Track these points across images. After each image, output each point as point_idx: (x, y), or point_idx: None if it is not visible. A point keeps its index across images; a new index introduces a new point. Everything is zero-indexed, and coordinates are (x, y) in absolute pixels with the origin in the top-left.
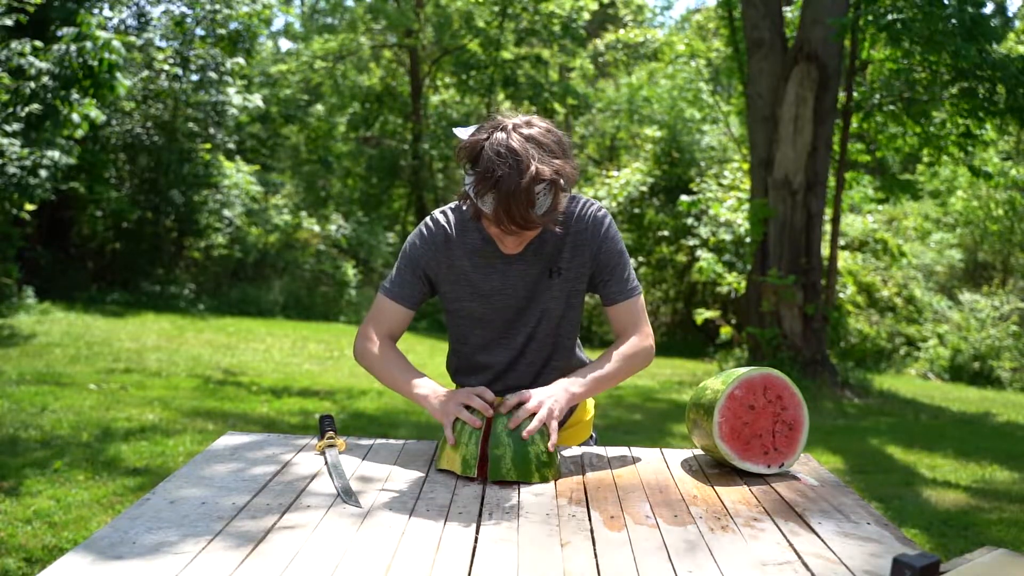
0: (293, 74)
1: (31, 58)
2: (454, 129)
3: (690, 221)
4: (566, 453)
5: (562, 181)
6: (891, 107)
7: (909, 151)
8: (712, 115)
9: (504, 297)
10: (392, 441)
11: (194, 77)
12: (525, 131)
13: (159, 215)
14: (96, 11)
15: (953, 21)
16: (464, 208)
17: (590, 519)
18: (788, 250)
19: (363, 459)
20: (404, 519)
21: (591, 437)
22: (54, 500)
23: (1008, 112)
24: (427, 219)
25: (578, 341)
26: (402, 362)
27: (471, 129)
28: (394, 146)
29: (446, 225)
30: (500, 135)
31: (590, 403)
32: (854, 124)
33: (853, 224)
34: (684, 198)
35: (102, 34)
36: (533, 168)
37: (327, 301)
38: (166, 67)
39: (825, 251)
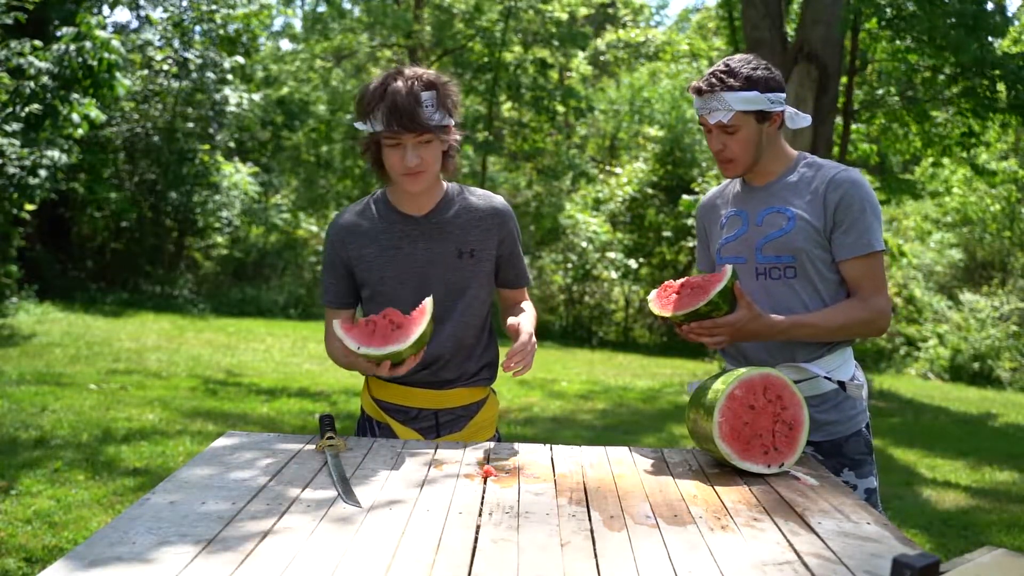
0: (294, 74)
1: (31, 58)
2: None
3: (691, 221)
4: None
5: (448, 97)
6: (894, 107)
7: (914, 152)
8: None
9: (413, 275)
10: (392, 441)
11: (193, 76)
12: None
13: (159, 215)
14: (96, 11)
15: (953, 19)
16: (363, 151)
17: (590, 519)
18: None
19: (363, 459)
20: (404, 519)
21: (496, 434)
22: (54, 500)
23: (1009, 109)
24: (328, 225)
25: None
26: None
27: None
28: None
29: (345, 222)
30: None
31: (494, 401)
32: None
33: None
34: (685, 198)
35: (101, 34)
36: (413, 71)
37: None
38: (165, 67)
39: None
